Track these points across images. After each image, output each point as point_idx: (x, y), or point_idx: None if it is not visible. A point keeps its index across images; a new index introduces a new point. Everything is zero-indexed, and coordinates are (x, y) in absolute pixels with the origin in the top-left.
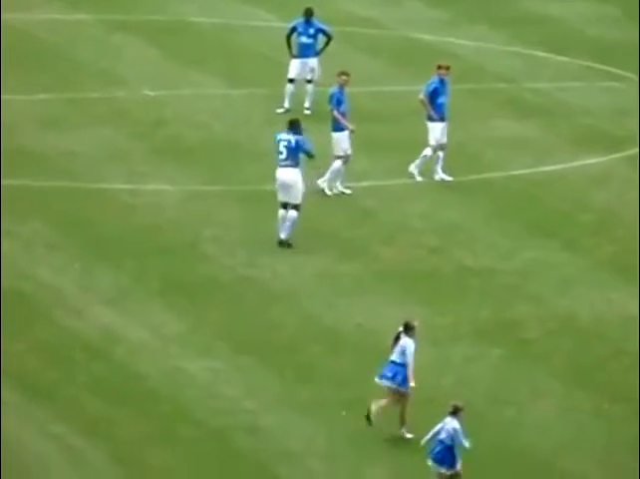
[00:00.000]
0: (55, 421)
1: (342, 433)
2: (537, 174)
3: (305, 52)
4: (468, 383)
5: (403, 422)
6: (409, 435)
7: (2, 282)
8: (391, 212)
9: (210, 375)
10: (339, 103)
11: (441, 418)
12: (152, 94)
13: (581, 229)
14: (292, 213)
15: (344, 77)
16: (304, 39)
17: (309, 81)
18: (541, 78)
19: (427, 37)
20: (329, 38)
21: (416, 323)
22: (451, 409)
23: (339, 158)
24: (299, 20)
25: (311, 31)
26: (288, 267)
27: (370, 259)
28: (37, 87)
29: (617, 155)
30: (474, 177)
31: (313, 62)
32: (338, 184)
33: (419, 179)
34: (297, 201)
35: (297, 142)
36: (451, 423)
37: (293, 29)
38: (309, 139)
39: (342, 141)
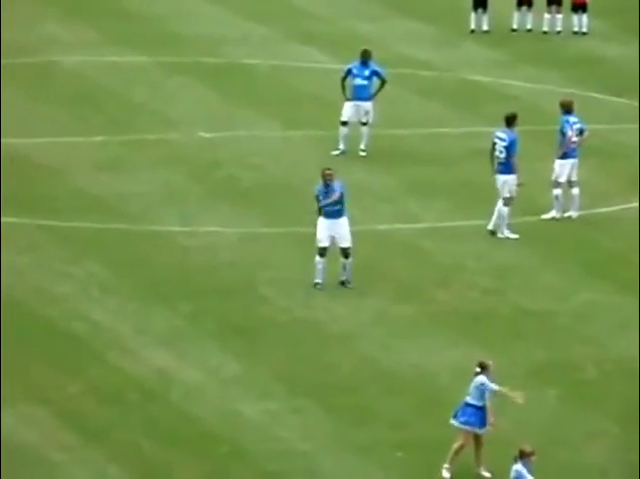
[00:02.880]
0: (110, 463)
1: (398, 475)
2: (593, 215)
3: (360, 94)
4: (524, 424)
5: (480, 462)
6: (487, 474)
7: (57, 324)
8: (446, 253)
9: (267, 417)
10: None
11: (499, 459)
12: (206, 136)
13: (637, 270)
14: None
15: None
16: (359, 81)
17: (364, 123)
18: (597, 119)
19: (483, 78)
20: (384, 81)
21: (490, 362)
22: (517, 454)
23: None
24: (355, 62)
25: (366, 73)
26: (344, 309)
27: (425, 301)
28: (93, 129)
29: None
30: (529, 218)
31: (367, 105)
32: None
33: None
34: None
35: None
36: (515, 467)
37: (349, 71)
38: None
39: (511, 183)
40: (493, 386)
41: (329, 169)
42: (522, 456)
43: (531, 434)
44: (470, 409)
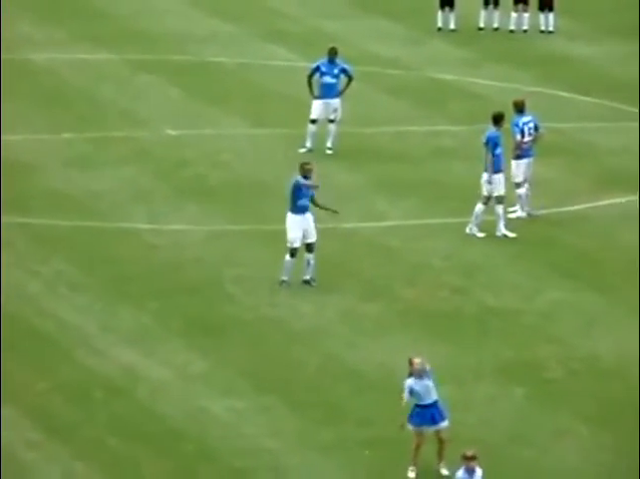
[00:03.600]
0: (76, 460)
1: (365, 473)
2: (560, 214)
3: (329, 92)
4: (490, 422)
5: (440, 459)
6: (445, 471)
7: (25, 322)
8: (413, 252)
9: (233, 415)
10: (495, 146)
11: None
12: (174, 133)
13: (604, 269)
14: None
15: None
16: (328, 79)
17: (332, 121)
18: (565, 118)
19: (450, 77)
20: (351, 78)
21: (415, 360)
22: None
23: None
24: (322, 60)
25: (335, 71)
26: (310, 307)
27: (392, 299)
28: (61, 126)
29: None
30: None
31: (336, 102)
32: (501, 225)
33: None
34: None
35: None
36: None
37: (316, 69)
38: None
39: (500, 182)
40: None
41: (308, 162)
42: (464, 460)
43: (497, 433)
44: (415, 409)
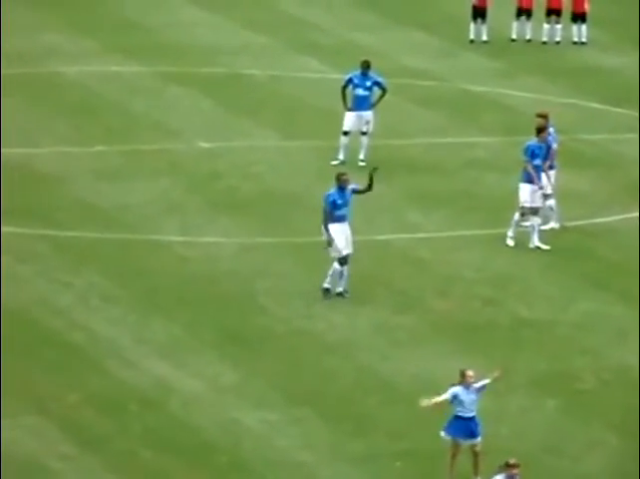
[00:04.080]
0: (109, 472)
1: None
2: (592, 225)
3: (361, 104)
4: (523, 433)
5: (476, 471)
6: None
7: (57, 333)
8: (445, 263)
9: (266, 427)
10: (534, 156)
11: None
12: (206, 146)
13: (636, 280)
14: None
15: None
16: (360, 91)
17: (364, 133)
18: (597, 130)
19: (482, 89)
20: (384, 91)
21: (468, 372)
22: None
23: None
24: (355, 72)
25: (368, 83)
26: (343, 319)
27: (425, 311)
28: (92, 139)
29: None
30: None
31: (368, 115)
32: (535, 237)
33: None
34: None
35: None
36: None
37: (349, 81)
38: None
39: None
40: (456, 391)
41: (344, 173)
42: (506, 468)
43: (530, 444)
44: (453, 419)
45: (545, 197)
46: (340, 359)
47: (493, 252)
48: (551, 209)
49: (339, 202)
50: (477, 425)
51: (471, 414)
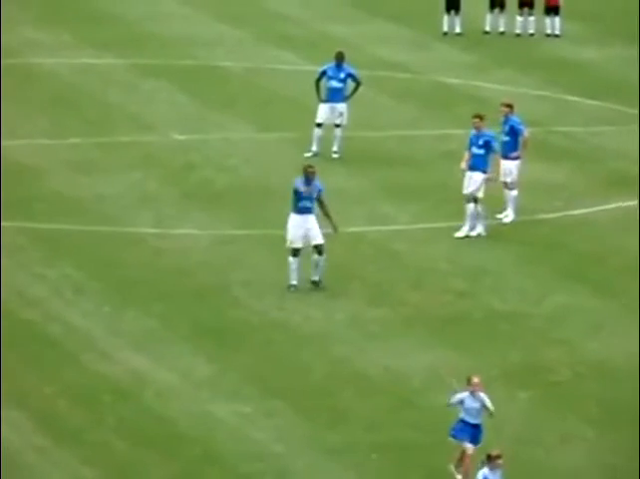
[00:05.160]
0: (84, 464)
1: (373, 477)
2: (567, 217)
3: (335, 96)
4: (498, 426)
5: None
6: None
7: (32, 326)
8: (419, 255)
9: (240, 419)
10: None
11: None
12: (180, 138)
13: (611, 272)
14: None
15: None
16: (334, 83)
17: (338, 125)
18: (571, 122)
19: (456, 81)
20: (358, 83)
21: (474, 379)
22: (484, 458)
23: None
24: (330, 64)
25: (341, 75)
26: (317, 311)
27: (399, 304)
28: (68, 131)
29: None
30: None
31: (342, 106)
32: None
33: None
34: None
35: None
36: (482, 471)
37: (323, 73)
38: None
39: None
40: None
41: (311, 166)
42: (489, 460)
43: (504, 436)
44: (459, 424)
45: (508, 187)
46: (314, 352)
47: (467, 245)
48: (514, 199)
49: (301, 192)
50: (480, 433)
51: (476, 421)
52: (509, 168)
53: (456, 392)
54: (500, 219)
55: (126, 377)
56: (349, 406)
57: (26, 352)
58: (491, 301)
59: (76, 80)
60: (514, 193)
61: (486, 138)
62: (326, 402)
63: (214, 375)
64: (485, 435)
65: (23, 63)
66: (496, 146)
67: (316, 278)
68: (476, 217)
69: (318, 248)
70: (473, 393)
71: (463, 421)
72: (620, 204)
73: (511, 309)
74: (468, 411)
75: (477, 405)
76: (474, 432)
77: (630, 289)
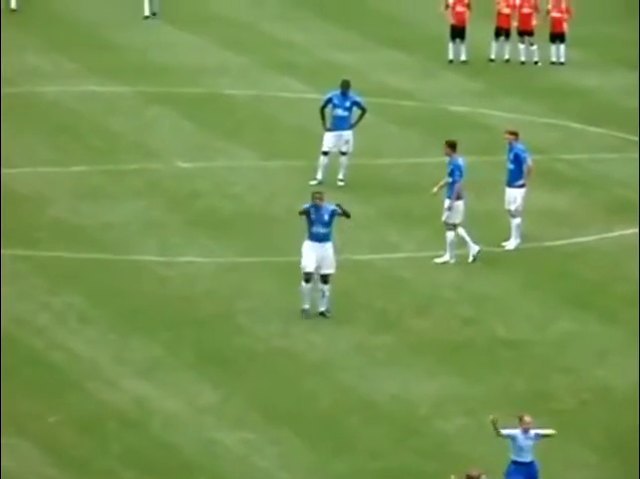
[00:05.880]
0: None
1: None
2: (572, 245)
3: (340, 124)
4: (501, 453)
5: None
6: None
7: (36, 354)
8: (424, 283)
9: (245, 447)
10: (461, 173)
11: None
12: (185, 166)
13: (616, 300)
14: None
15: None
16: (340, 111)
17: (343, 153)
18: (576, 149)
19: (461, 109)
20: (364, 111)
21: (525, 418)
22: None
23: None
24: (335, 92)
25: (347, 104)
26: (322, 338)
27: (404, 331)
28: (72, 159)
29: None
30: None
31: (348, 134)
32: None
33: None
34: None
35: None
36: None
37: (328, 101)
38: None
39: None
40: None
41: (319, 192)
42: None
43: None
44: (511, 466)
45: (512, 215)
46: (319, 379)
47: (473, 272)
48: (517, 227)
49: (313, 217)
50: (536, 471)
51: (529, 459)
52: (514, 195)
53: (499, 427)
54: (504, 246)
55: (131, 405)
56: (354, 434)
57: (31, 381)
58: (497, 328)
59: (80, 108)
60: (518, 220)
61: (452, 166)
62: (331, 430)
63: (219, 403)
64: (486, 460)
65: (26, 91)
66: (458, 174)
67: (323, 309)
68: (455, 243)
69: (324, 278)
70: (525, 432)
71: (515, 463)
72: (624, 231)
73: (517, 337)
74: (521, 449)
75: (529, 443)
76: (528, 471)
77: (635, 317)
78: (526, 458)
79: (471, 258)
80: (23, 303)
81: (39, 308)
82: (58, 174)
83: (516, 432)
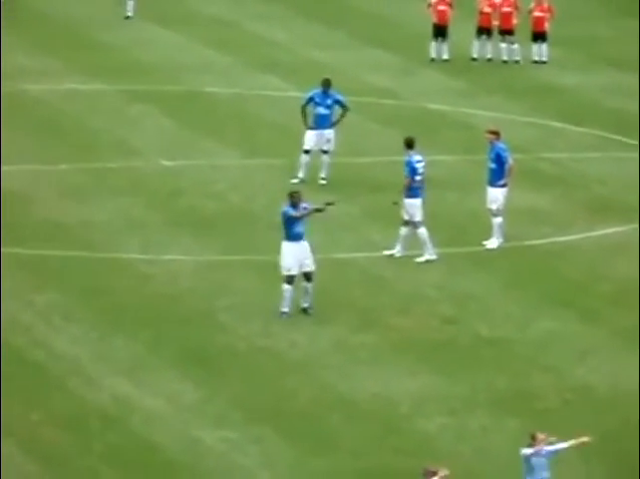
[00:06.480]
0: None
1: None
2: (554, 244)
3: (322, 123)
4: (483, 453)
5: None
6: None
7: (19, 352)
8: (406, 281)
9: (226, 445)
10: (414, 171)
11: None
12: (167, 164)
13: (598, 299)
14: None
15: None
16: (321, 110)
17: (325, 151)
18: (557, 148)
19: (443, 107)
20: (346, 109)
21: (539, 435)
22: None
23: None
24: (316, 90)
25: (328, 102)
26: (304, 337)
27: (385, 329)
28: (55, 157)
29: (633, 225)
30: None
31: (329, 133)
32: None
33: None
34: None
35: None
36: None
37: (310, 99)
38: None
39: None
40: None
41: (297, 191)
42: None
43: (491, 463)
44: None
45: (493, 214)
46: (301, 377)
47: (454, 271)
48: (499, 226)
49: (293, 216)
50: None
51: (544, 476)
52: (495, 195)
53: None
54: (485, 245)
55: (113, 404)
56: (336, 432)
57: (12, 379)
58: (478, 327)
59: (63, 106)
60: (499, 220)
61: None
62: (313, 428)
63: (201, 401)
64: (468, 460)
65: (12, 90)
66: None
67: (306, 305)
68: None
69: (307, 275)
70: (538, 449)
71: None
72: (605, 230)
73: (498, 335)
74: (535, 467)
75: (544, 460)
76: None
77: (616, 315)
78: (541, 475)
79: (421, 259)
80: (6, 302)
81: (22, 306)
82: (41, 172)
83: (529, 452)
